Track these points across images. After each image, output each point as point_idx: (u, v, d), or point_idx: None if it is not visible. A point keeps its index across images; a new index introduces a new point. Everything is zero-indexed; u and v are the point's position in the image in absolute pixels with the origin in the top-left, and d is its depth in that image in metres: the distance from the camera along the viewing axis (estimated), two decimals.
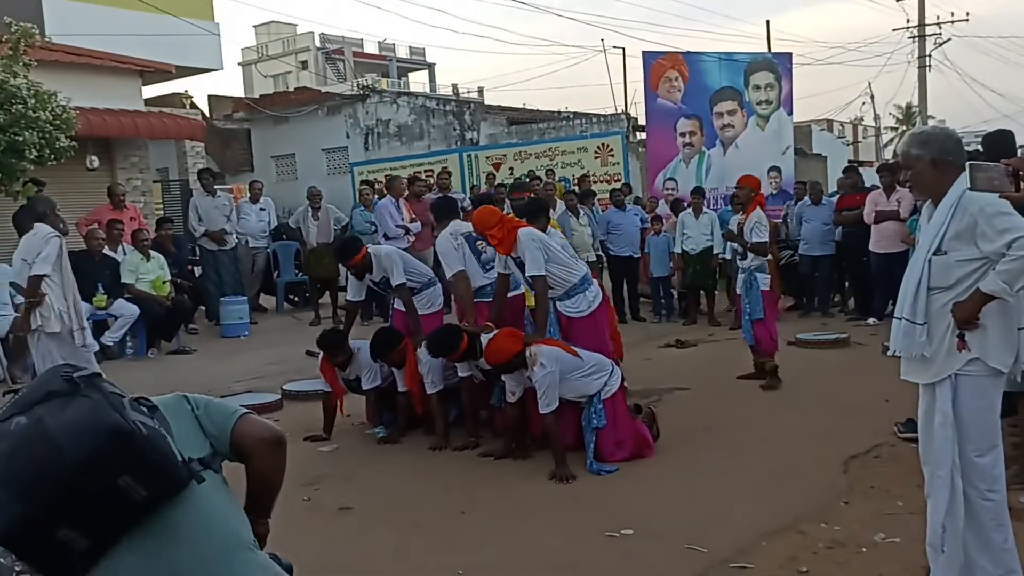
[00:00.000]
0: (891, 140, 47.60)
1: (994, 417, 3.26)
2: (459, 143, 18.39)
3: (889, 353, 3.50)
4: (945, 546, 3.23)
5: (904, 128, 47.20)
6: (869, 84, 57.70)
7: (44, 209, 6.36)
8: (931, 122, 28.46)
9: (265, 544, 2.20)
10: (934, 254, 3.22)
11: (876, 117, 44.26)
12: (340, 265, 6.38)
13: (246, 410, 2.13)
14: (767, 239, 7.27)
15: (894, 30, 30.58)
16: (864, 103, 50.41)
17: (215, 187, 11.33)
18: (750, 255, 7.04)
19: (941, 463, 3.23)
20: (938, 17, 30.42)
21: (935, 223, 3.24)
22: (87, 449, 1.71)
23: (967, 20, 30.44)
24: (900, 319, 3.33)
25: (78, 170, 10.92)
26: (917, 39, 29.82)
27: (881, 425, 5.52)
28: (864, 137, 40.37)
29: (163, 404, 1.99)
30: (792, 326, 9.73)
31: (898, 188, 9.21)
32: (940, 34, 30.29)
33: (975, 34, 60.69)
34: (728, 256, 10.23)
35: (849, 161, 18.50)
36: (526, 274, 5.39)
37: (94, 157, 11.57)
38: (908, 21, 30.13)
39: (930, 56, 29.93)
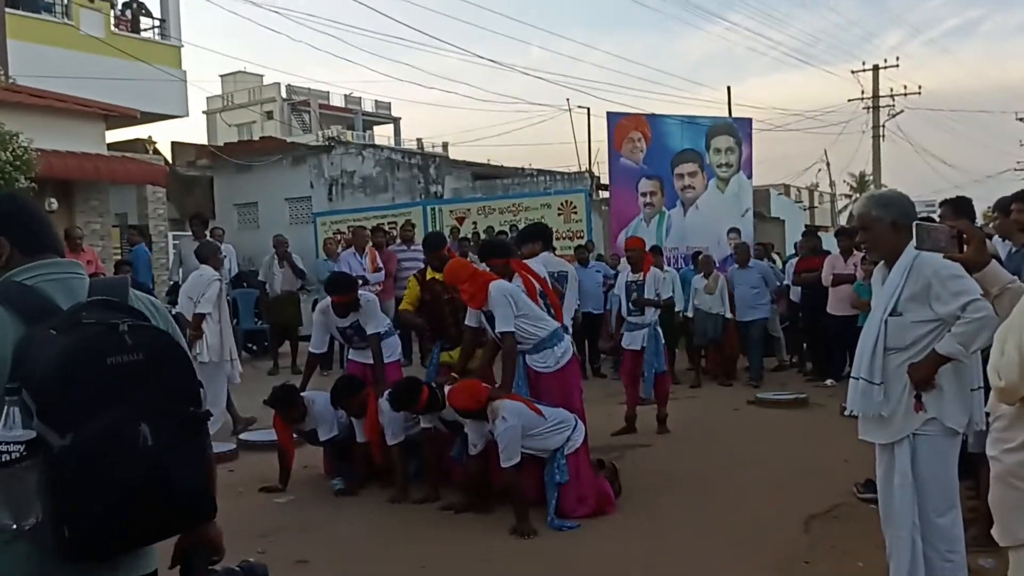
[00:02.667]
0: (846, 207, 48.72)
1: (952, 477, 3.30)
2: (423, 196, 18.46)
3: (847, 412, 3.55)
4: None
5: (858, 196, 48.35)
6: (825, 152, 59.06)
7: (207, 253, 7.66)
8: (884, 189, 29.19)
9: (220, 548, 2.03)
10: (890, 315, 3.28)
11: (832, 184, 45.33)
12: (333, 304, 6.29)
13: None
14: (671, 292, 7.97)
15: (849, 100, 31.50)
16: (820, 170, 51.64)
17: (202, 232, 11.22)
18: (649, 311, 7.53)
19: (901, 524, 3.26)
20: (891, 89, 31.42)
21: (890, 285, 3.31)
22: None
23: (919, 93, 31.39)
24: (857, 379, 3.38)
25: None
26: (871, 110, 30.75)
27: (840, 485, 5.55)
28: (820, 203, 41.27)
29: None
30: (749, 387, 9.82)
31: (855, 252, 9.40)
32: (893, 106, 31.26)
33: (927, 107, 62.52)
34: (690, 314, 10.37)
35: (806, 225, 18.86)
36: (495, 330, 5.40)
37: (53, 199, 11.45)
38: (863, 93, 31.11)
39: (884, 127, 30.86)
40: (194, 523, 1.86)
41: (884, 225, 3.31)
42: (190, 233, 11.22)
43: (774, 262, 12.90)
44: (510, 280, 5.66)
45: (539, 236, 6.73)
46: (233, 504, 5.68)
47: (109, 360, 1.67)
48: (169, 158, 19.29)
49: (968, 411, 3.27)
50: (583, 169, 20.65)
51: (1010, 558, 2.34)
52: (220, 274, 7.60)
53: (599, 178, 18.68)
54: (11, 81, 12.57)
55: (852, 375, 3.45)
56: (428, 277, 6.37)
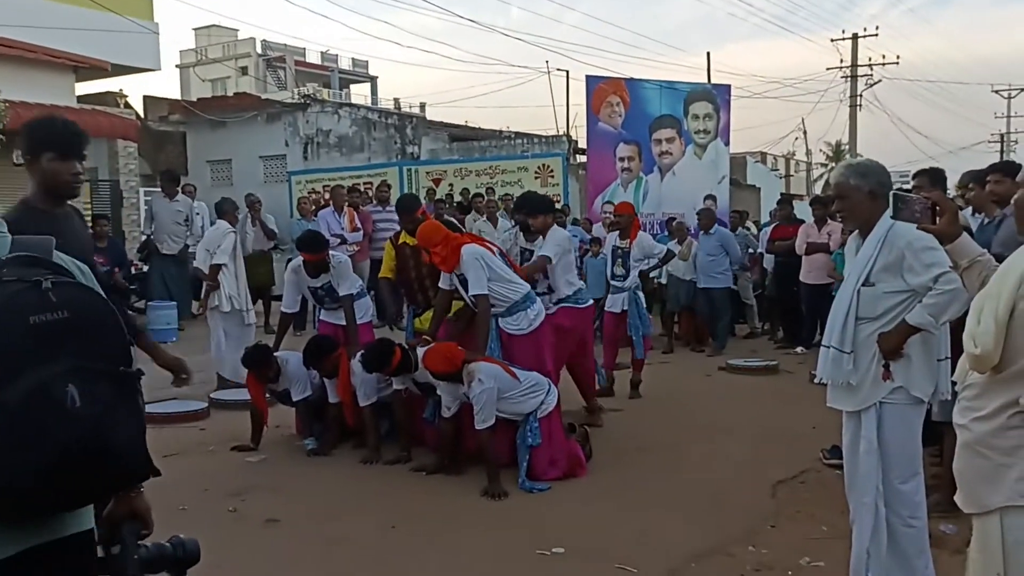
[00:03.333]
0: (821, 175, 48.98)
1: (916, 445, 3.35)
2: (400, 157, 18.31)
3: (816, 380, 3.58)
4: (869, 571, 3.31)
5: (833, 165, 48.66)
6: (802, 120, 59.11)
7: (226, 208, 8.03)
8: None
9: (148, 521, 1.93)
10: (863, 285, 3.31)
11: (808, 152, 45.53)
12: (304, 263, 6.25)
13: None
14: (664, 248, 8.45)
15: (828, 69, 31.57)
16: (797, 138, 51.72)
17: (172, 189, 11.08)
18: (632, 275, 7.62)
19: (866, 489, 3.31)
20: (870, 59, 31.49)
21: (864, 255, 3.33)
22: None
23: (897, 63, 31.52)
24: (828, 347, 3.40)
25: (4, 164, 10.58)
26: (849, 79, 30.82)
27: (807, 451, 5.63)
28: (796, 171, 41.42)
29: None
30: (722, 353, 9.90)
31: (829, 221, 9.46)
32: (871, 75, 31.35)
33: (905, 77, 62.78)
34: (664, 280, 10.41)
35: (781, 194, 18.93)
36: (468, 292, 5.39)
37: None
38: (841, 61, 31.18)
39: (861, 96, 30.95)
40: (129, 485, 1.81)
41: (862, 194, 3.31)
42: (160, 189, 11.10)
43: (748, 230, 12.96)
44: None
45: (550, 209, 6.67)
46: (204, 463, 5.69)
47: (32, 319, 1.60)
48: (141, 112, 18.95)
49: (934, 381, 3.32)
50: (561, 132, 20.54)
51: (974, 525, 2.38)
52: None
53: (576, 142, 18.62)
54: None
55: (823, 343, 3.48)
56: (400, 241, 6.32)
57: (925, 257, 3.14)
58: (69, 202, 3.15)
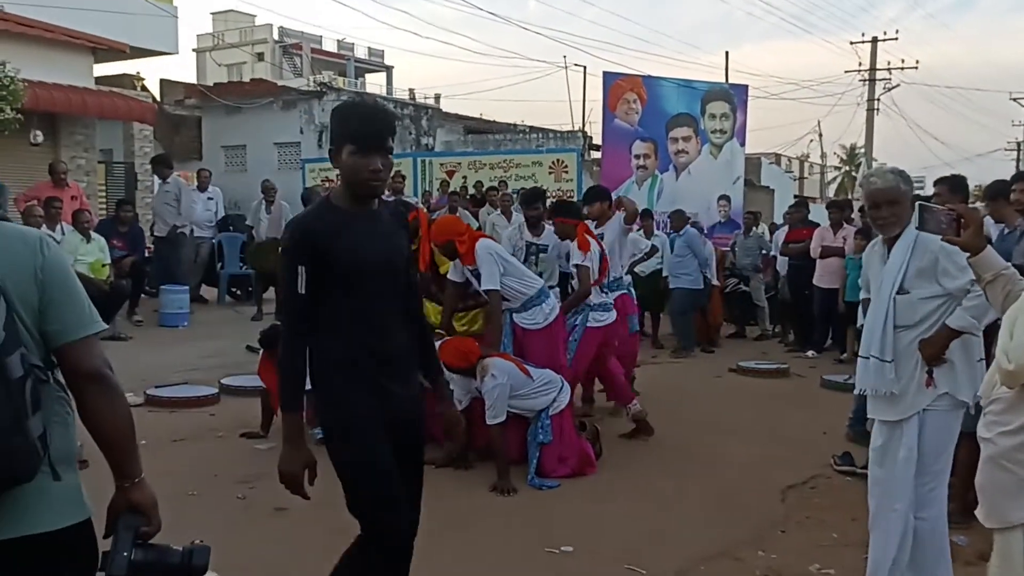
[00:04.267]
0: (835, 178, 48.81)
1: (951, 451, 3.30)
2: (414, 148, 18.32)
3: (857, 391, 3.54)
4: None
5: (847, 168, 48.48)
6: (819, 123, 59.12)
7: (312, 199, 8.20)
8: (874, 164, 29.20)
9: (150, 515, 1.83)
10: (897, 293, 3.26)
11: (823, 155, 45.37)
12: None
13: (103, 328, 1.81)
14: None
15: (846, 72, 31.41)
16: (812, 140, 51.68)
17: (165, 172, 11.14)
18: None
19: (900, 496, 3.25)
20: (889, 63, 31.31)
21: (894, 263, 3.27)
22: None
23: (916, 68, 31.30)
24: (868, 357, 3.34)
25: (21, 144, 10.61)
26: (868, 83, 30.65)
27: (818, 456, 5.59)
28: (810, 173, 41.29)
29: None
30: (731, 353, 9.85)
31: (844, 225, 9.41)
32: (890, 79, 31.18)
33: (923, 82, 62.47)
34: None
35: (796, 196, 18.87)
36: (481, 287, 5.37)
37: (38, 132, 11.27)
38: (860, 64, 31.01)
39: (878, 100, 30.78)
40: None
41: (908, 200, 3.25)
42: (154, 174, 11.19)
43: (762, 231, 12.91)
44: (573, 239, 5.96)
45: (607, 196, 7.05)
46: (214, 449, 5.70)
47: None
48: (157, 95, 19.00)
49: (976, 384, 3.25)
50: (576, 128, 20.50)
51: (995, 539, 2.36)
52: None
53: (591, 138, 18.59)
54: (0, 8, 12.31)
55: (861, 354, 3.42)
56: None
57: (960, 259, 3.07)
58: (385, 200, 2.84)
